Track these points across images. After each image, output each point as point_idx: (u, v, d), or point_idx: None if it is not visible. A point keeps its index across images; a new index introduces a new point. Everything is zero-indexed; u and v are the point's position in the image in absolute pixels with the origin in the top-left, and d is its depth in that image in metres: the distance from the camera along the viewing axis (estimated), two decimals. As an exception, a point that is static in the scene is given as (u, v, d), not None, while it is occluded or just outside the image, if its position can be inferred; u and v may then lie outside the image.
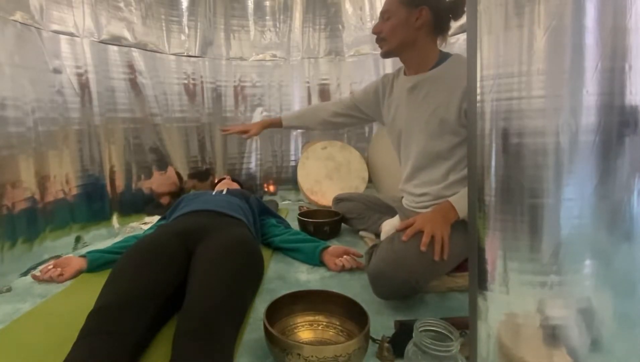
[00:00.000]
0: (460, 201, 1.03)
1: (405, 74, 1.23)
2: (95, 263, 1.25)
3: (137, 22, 2.10)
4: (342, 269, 1.27)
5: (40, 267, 1.27)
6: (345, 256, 1.29)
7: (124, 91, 2.05)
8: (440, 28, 1.13)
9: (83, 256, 1.27)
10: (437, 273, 1.05)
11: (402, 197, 1.36)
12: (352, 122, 1.55)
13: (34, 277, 1.23)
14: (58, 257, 1.38)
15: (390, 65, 2.38)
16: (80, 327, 0.74)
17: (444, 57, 1.14)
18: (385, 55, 1.20)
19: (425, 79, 1.15)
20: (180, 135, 2.38)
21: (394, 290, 0.99)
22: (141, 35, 2.12)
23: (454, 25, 1.20)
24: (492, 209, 0.49)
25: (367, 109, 1.44)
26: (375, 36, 1.19)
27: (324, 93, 2.63)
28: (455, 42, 1.79)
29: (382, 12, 1.16)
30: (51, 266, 1.23)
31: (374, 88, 1.39)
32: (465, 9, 0.52)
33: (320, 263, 1.33)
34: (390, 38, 1.14)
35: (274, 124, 1.70)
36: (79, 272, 1.24)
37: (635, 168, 0.44)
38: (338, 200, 1.71)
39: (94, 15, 1.88)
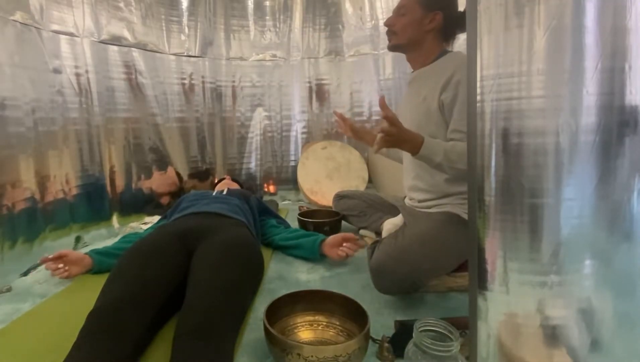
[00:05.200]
0: (432, 144, 1.00)
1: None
2: (101, 268, 1.23)
3: (137, 22, 2.10)
4: (347, 257, 1.28)
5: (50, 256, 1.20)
6: (345, 244, 1.30)
7: (124, 91, 2.05)
8: (447, 34, 1.18)
9: (90, 256, 1.23)
10: (438, 271, 1.06)
11: (405, 197, 1.37)
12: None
13: (44, 260, 1.17)
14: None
15: (390, 65, 2.38)
16: (80, 327, 0.74)
17: (443, 53, 1.17)
18: (393, 48, 1.23)
19: (421, 74, 1.20)
20: (180, 135, 2.38)
21: (395, 285, 1.00)
22: (141, 35, 2.12)
23: (461, 36, 1.22)
24: (492, 209, 0.49)
25: None
26: (378, 35, 1.21)
27: (324, 93, 2.63)
28: (456, 42, 1.79)
29: (399, 7, 1.19)
30: (61, 265, 1.18)
31: None
32: (466, 8, 0.52)
33: (321, 256, 1.33)
34: (401, 33, 1.18)
35: None
36: (84, 272, 1.22)
37: (635, 168, 0.44)
38: (339, 197, 1.71)
39: (94, 15, 1.88)
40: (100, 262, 1.24)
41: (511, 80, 0.46)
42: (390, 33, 1.21)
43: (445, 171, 1.04)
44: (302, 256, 1.39)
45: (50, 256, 1.18)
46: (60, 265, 1.19)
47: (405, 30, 1.17)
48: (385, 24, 1.22)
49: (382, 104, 0.94)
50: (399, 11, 1.19)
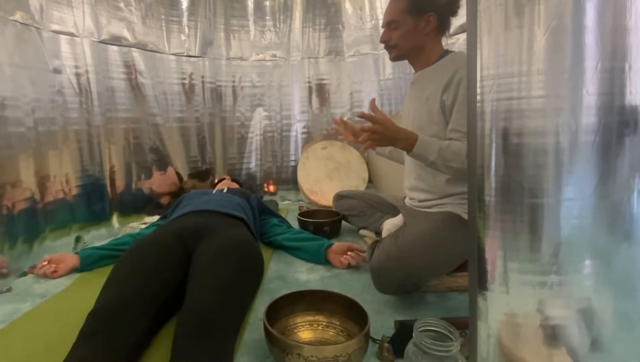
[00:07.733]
0: (426, 142, 1.01)
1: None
2: (88, 260, 1.26)
3: (137, 22, 2.10)
4: (349, 267, 1.28)
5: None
6: (349, 253, 1.30)
7: (124, 91, 2.05)
8: (443, 28, 1.18)
9: (76, 253, 1.29)
10: (438, 271, 1.06)
11: (405, 197, 1.37)
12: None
13: (30, 271, 1.23)
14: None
15: (390, 65, 2.38)
16: (80, 327, 0.74)
17: (445, 54, 1.17)
18: (395, 59, 1.24)
19: (423, 75, 1.20)
20: (180, 135, 2.38)
21: (396, 285, 1.00)
22: (141, 35, 2.12)
23: (454, 24, 1.23)
24: (492, 209, 0.49)
25: None
26: (378, 35, 1.21)
27: (324, 93, 2.63)
28: (456, 42, 1.79)
29: (388, 22, 1.18)
30: (45, 263, 1.23)
31: None
32: (465, 9, 0.52)
33: (326, 261, 1.33)
34: (400, 45, 1.18)
35: None
36: (72, 270, 1.25)
37: (635, 168, 0.44)
38: (340, 197, 1.71)
39: (94, 15, 1.88)
40: (85, 256, 1.27)
41: (511, 80, 0.46)
42: (389, 47, 1.21)
43: (441, 170, 1.04)
44: (304, 258, 1.39)
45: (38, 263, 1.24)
46: (45, 262, 1.23)
47: (404, 42, 1.17)
48: (381, 41, 1.22)
49: (373, 106, 0.98)
50: (389, 26, 1.18)
